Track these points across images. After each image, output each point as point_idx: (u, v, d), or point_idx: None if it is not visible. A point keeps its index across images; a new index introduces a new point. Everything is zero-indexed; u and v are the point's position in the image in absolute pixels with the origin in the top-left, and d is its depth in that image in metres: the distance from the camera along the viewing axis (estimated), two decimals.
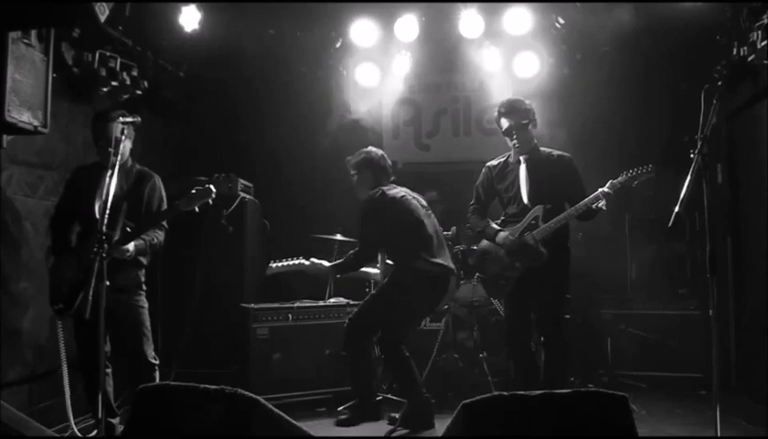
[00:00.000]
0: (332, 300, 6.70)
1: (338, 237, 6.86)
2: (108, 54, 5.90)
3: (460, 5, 6.98)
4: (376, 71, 7.76)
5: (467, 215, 5.63)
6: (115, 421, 4.98)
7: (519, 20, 7.05)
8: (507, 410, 2.64)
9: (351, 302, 6.56)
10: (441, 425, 5.26)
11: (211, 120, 7.79)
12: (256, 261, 7.11)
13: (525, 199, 5.21)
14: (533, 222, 5.09)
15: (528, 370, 5.21)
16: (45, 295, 4.83)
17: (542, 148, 5.39)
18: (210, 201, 4.78)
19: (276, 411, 2.68)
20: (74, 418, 5.06)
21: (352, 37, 7.32)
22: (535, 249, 5.04)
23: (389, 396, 6.13)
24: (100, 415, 4.41)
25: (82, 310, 4.15)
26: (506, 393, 2.71)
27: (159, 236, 4.95)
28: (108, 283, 3.97)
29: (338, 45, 7.46)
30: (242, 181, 7.09)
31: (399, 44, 7.46)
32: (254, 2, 6.70)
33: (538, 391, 2.73)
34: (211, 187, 4.76)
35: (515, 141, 5.29)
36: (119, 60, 5.99)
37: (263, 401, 2.70)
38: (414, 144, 8.36)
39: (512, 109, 5.31)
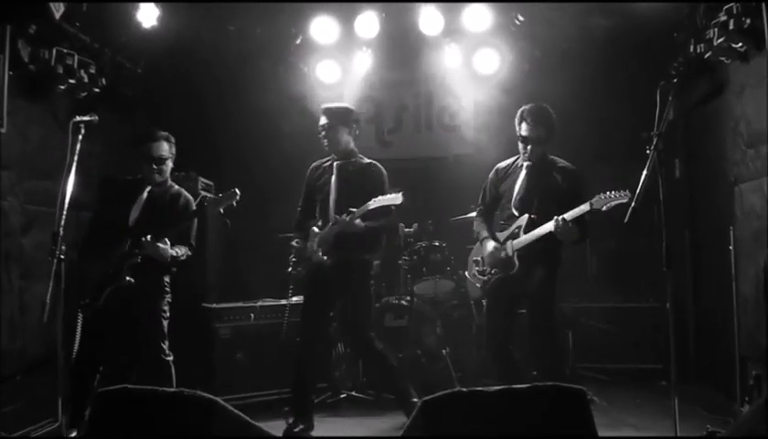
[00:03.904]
0: (294, 299, 6.65)
1: None
2: (65, 51, 5.82)
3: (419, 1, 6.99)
4: (336, 68, 7.73)
5: (474, 216, 5.52)
6: None
7: (478, 17, 7.08)
8: (467, 406, 2.66)
9: None
10: (401, 422, 5.26)
11: (171, 117, 7.67)
12: (217, 260, 7.05)
13: (512, 207, 5.09)
14: (516, 231, 4.99)
15: (508, 370, 5.09)
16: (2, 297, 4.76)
17: (551, 157, 5.20)
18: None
19: (236, 411, 2.67)
20: (34, 424, 5.08)
21: (312, 34, 7.27)
22: (509, 259, 5.00)
23: (353, 393, 6.14)
24: (60, 418, 4.40)
25: (108, 303, 4.86)
26: (465, 389, 2.73)
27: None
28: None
29: (298, 41, 7.41)
30: (203, 179, 7.02)
31: (359, 41, 7.44)
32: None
33: (497, 387, 2.75)
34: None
35: (527, 150, 5.09)
36: (76, 58, 5.91)
37: (223, 402, 2.69)
38: (376, 140, 8.31)
39: (538, 119, 5.05)
